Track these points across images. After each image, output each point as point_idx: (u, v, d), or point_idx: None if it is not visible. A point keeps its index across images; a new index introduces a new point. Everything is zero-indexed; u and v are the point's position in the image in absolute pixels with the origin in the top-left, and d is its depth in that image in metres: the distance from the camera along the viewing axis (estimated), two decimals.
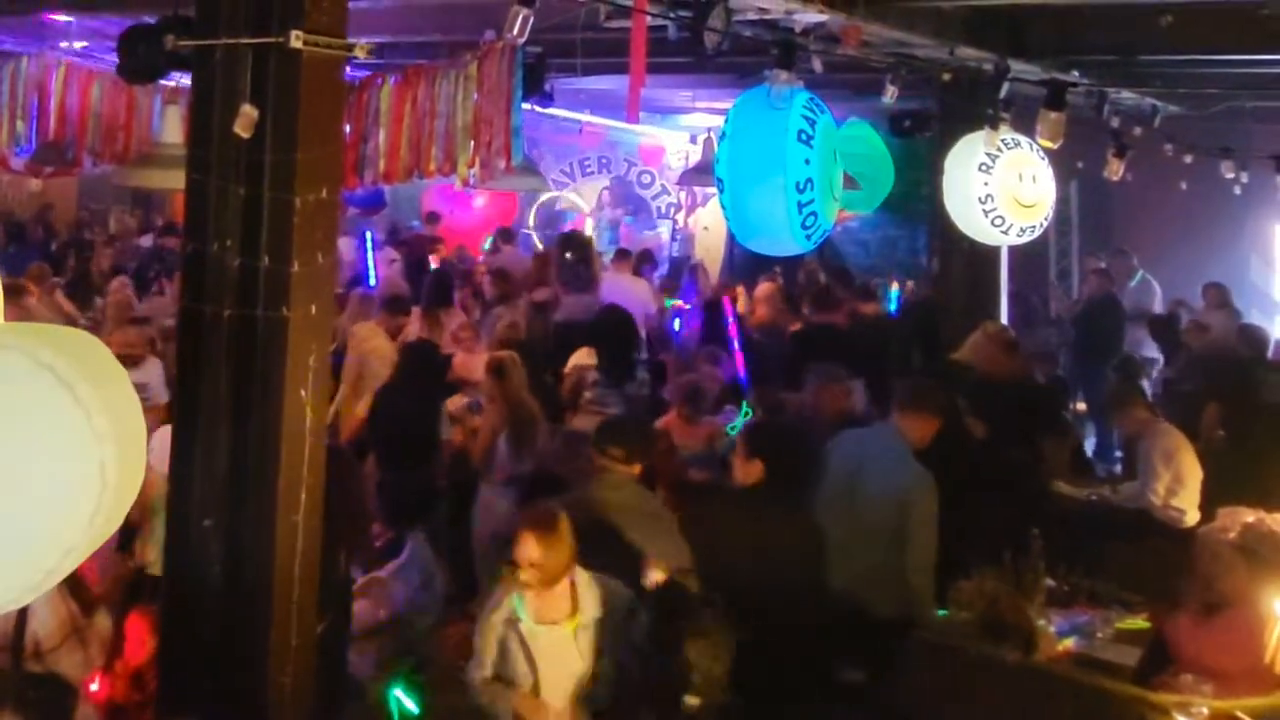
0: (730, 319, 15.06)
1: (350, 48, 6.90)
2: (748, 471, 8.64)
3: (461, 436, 12.28)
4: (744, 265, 21.88)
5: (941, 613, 8.97)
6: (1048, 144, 11.63)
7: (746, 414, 12.38)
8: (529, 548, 7.21)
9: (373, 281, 17.46)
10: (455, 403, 12.50)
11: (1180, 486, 11.43)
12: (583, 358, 13.16)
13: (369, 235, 19.32)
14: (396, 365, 12.55)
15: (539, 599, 7.32)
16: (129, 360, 10.94)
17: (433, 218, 24.29)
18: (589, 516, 7.81)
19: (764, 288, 17.35)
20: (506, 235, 23.15)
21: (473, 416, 12.33)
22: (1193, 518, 11.13)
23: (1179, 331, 18.14)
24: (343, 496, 7.54)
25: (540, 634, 7.33)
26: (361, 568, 9.41)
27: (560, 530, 7.27)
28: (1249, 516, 7.70)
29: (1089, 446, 16.87)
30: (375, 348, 13.34)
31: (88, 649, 6.86)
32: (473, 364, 13.59)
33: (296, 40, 6.49)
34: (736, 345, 14.46)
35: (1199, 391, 14.23)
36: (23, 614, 6.62)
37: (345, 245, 18.02)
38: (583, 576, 7.37)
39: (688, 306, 17.73)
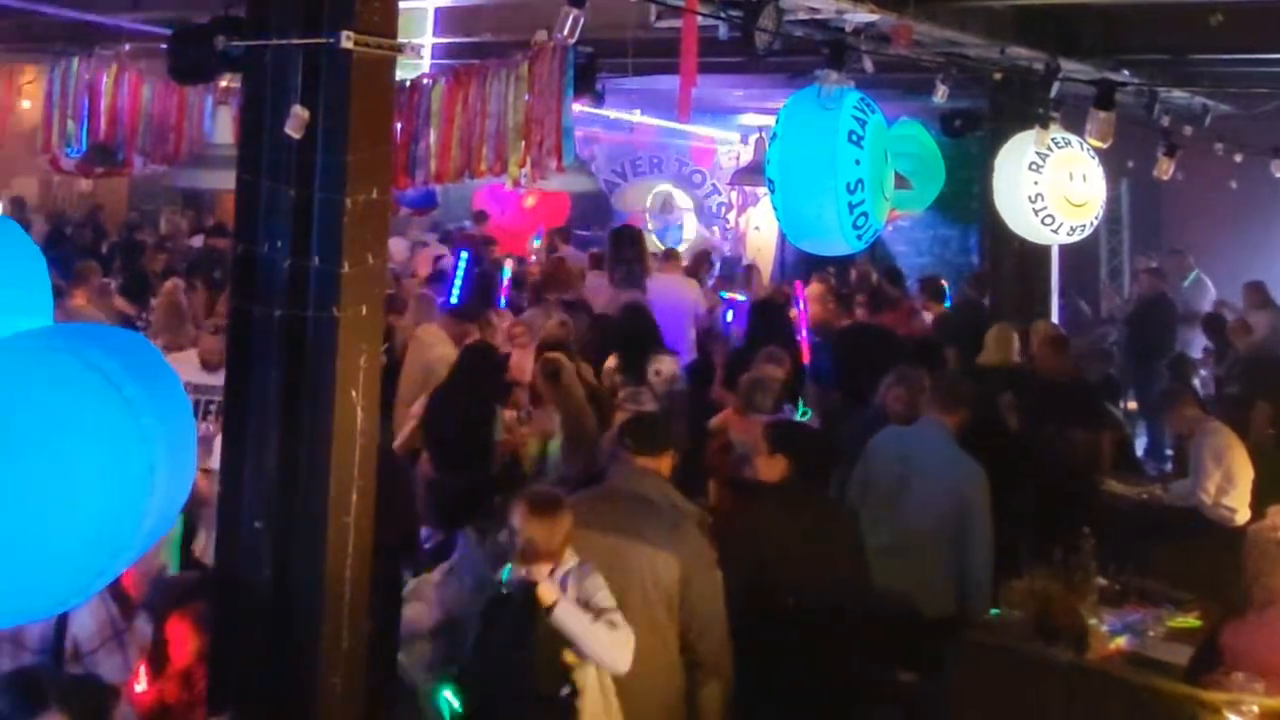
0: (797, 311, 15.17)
1: (401, 48, 6.91)
2: (771, 467, 8.61)
3: (511, 439, 12.24)
4: (796, 265, 21.83)
5: (994, 612, 8.96)
6: (1098, 143, 11.62)
7: (805, 413, 12.33)
8: (515, 519, 7.04)
9: (455, 299, 17.03)
10: (510, 416, 12.45)
11: (1231, 485, 11.39)
12: (610, 363, 13.12)
13: (465, 255, 18.60)
14: (454, 366, 12.45)
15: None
16: (211, 366, 10.94)
17: (480, 216, 24.26)
18: (603, 505, 7.80)
19: (814, 287, 17.32)
20: (564, 235, 23.10)
21: (520, 428, 12.32)
22: (1243, 516, 11.09)
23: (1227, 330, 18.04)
24: (393, 498, 7.53)
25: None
26: (412, 569, 9.42)
27: (543, 513, 7.13)
28: None
29: (1140, 445, 16.82)
30: (442, 356, 13.15)
31: (126, 652, 6.87)
32: (526, 363, 13.53)
33: (347, 40, 6.49)
34: (803, 340, 14.49)
35: (1248, 390, 14.18)
36: (63, 616, 6.64)
37: (397, 247, 17.69)
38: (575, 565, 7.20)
39: (741, 298, 17.64)
